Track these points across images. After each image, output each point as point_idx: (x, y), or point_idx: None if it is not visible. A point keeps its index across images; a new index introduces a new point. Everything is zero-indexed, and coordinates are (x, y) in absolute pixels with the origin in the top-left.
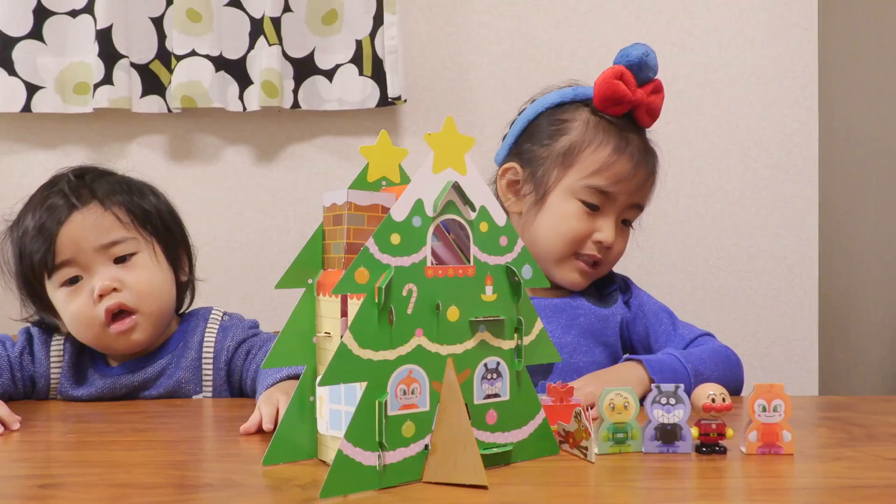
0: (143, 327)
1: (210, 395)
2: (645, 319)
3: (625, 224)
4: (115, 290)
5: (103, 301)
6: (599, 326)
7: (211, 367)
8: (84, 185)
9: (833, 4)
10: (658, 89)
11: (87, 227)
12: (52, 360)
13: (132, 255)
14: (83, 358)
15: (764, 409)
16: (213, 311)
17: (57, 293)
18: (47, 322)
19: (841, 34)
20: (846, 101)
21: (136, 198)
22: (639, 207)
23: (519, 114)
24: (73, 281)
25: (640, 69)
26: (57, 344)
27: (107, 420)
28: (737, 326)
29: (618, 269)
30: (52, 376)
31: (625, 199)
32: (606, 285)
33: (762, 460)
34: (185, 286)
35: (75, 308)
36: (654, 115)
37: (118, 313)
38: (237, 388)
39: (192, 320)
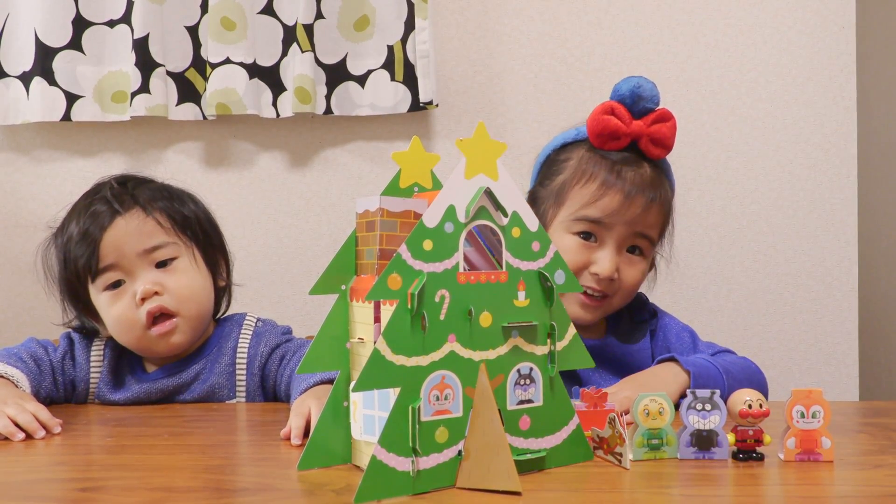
0: (183, 330)
1: (243, 399)
2: (666, 340)
3: (633, 252)
4: (156, 293)
5: (145, 304)
6: (628, 361)
7: (244, 372)
8: (126, 192)
9: (871, 1)
10: (663, 118)
11: (130, 232)
12: (92, 364)
13: (173, 259)
14: (121, 363)
15: (802, 416)
16: (247, 317)
17: (100, 297)
18: (87, 327)
19: (880, 31)
20: (886, 99)
21: (176, 204)
22: (646, 237)
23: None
24: (116, 285)
25: (633, 102)
26: (97, 349)
27: (145, 424)
28: (774, 330)
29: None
30: (91, 380)
31: (623, 229)
32: (638, 314)
33: (801, 467)
34: (222, 291)
35: (118, 311)
36: (661, 144)
37: (159, 316)
38: (271, 393)
39: (226, 326)
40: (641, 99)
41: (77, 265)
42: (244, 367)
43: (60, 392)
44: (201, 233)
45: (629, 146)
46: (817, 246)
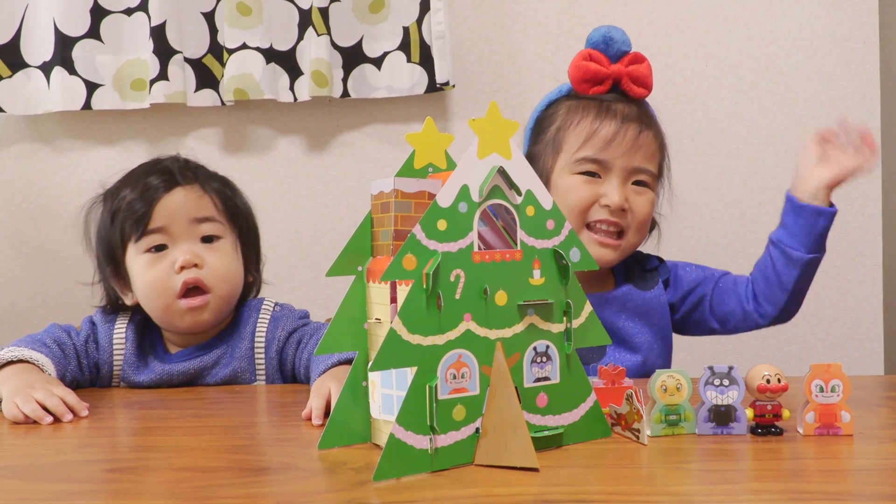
0: (212, 308)
1: (264, 383)
2: (679, 281)
3: (640, 185)
4: (195, 266)
5: (183, 273)
6: (646, 309)
7: (263, 356)
8: (188, 168)
9: None
10: (637, 60)
11: (188, 201)
12: (115, 346)
13: (217, 238)
14: (144, 345)
15: (821, 390)
16: (265, 302)
17: (138, 259)
18: (112, 298)
19: None
20: None
21: (228, 191)
22: (646, 172)
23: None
24: (159, 249)
25: (607, 47)
26: (119, 331)
27: (169, 406)
28: None
29: (672, 249)
30: (115, 362)
31: (622, 163)
32: (647, 262)
33: (820, 441)
34: (250, 286)
35: (154, 275)
36: (642, 83)
37: (192, 289)
38: (290, 376)
39: (245, 311)
40: (614, 41)
41: (126, 223)
42: (262, 351)
43: (85, 375)
44: (245, 225)
45: (611, 90)
46: (840, 220)
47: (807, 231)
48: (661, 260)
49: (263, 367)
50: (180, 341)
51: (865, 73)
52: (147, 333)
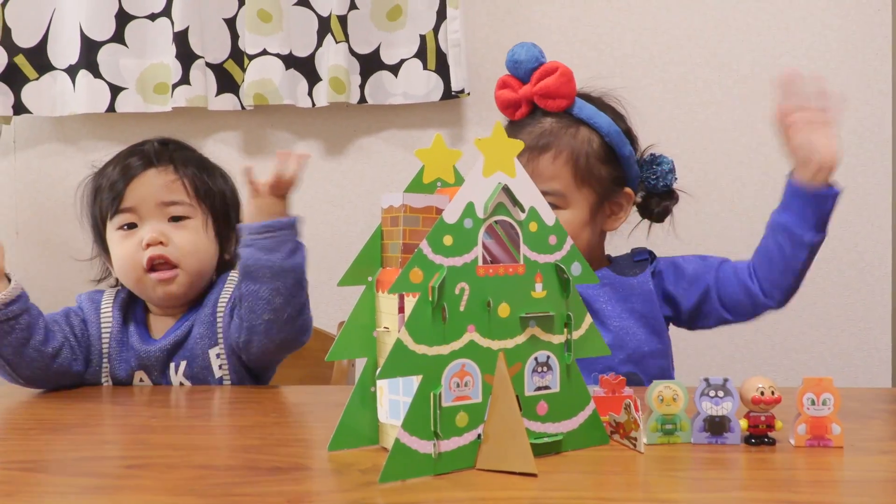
0: (181, 282)
1: (222, 347)
2: (676, 268)
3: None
4: (161, 243)
5: (149, 250)
6: (622, 289)
7: (223, 321)
8: (165, 151)
9: None
10: (546, 73)
11: (157, 184)
12: (102, 325)
13: (186, 218)
14: (128, 327)
15: (813, 403)
16: (231, 274)
17: (113, 235)
18: (104, 270)
19: None
20: None
21: (205, 175)
22: (550, 194)
23: None
24: (130, 227)
25: (516, 69)
26: (106, 310)
27: (187, 405)
28: (805, 314)
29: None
30: (103, 339)
31: None
32: (638, 255)
33: (811, 452)
34: (228, 263)
35: (124, 250)
36: (554, 95)
37: (161, 264)
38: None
39: (215, 283)
40: (519, 63)
41: (104, 201)
42: (222, 316)
43: (81, 346)
44: (220, 207)
45: (536, 108)
46: (850, 231)
47: (816, 215)
48: (652, 254)
49: (222, 331)
50: (161, 313)
51: (877, 84)
52: (132, 316)
